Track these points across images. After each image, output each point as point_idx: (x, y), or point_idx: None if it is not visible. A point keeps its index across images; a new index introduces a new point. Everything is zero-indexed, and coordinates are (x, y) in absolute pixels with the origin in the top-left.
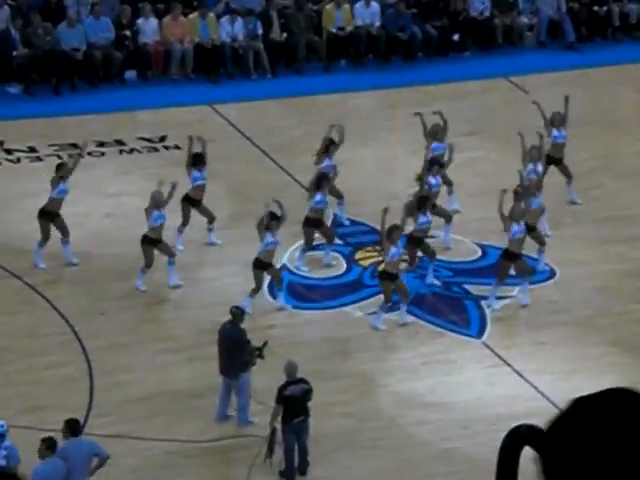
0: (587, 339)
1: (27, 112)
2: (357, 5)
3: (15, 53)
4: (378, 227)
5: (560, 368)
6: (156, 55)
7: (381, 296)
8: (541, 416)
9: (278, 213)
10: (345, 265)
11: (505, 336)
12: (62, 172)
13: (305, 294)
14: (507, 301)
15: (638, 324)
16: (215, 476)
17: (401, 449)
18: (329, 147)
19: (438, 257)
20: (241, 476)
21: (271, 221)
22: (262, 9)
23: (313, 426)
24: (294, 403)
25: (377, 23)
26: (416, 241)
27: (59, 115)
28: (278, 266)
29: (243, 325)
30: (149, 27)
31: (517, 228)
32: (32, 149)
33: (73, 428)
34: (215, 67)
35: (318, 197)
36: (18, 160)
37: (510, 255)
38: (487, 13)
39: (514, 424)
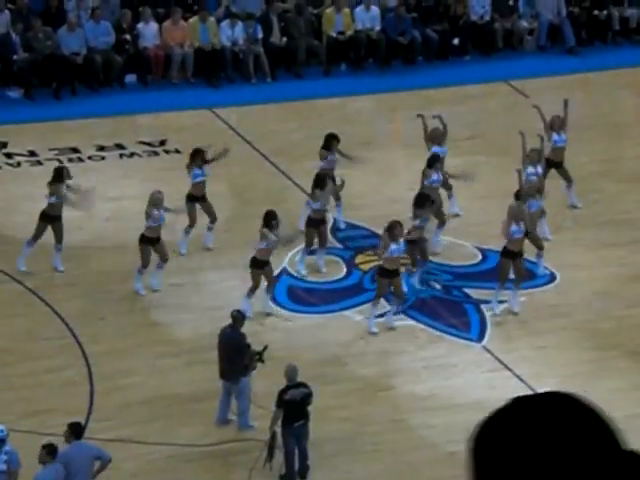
0: (587, 343)
1: (27, 116)
2: (357, 9)
3: (15, 57)
4: (378, 231)
5: (560, 372)
6: (156, 59)
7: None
8: None
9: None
10: (345, 269)
11: (505, 340)
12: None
13: (305, 298)
14: (507, 305)
15: (638, 328)
16: None
17: (401, 453)
18: (330, 142)
19: (439, 261)
20: None
21: (271, 221)
22: (262, 13)
23: (313, 430)
24: (294, 407)
25: (377, 27)
26: (415, 241)
27: (59, 119)
28: (278, 270)
29: (243, 329)
30: (149, 31)
31: (515, 228)
32: (32, 153)
33: (76, 431)
34: (215, 71)
35: (321, 201)
36: (18, 164)
37: (509, 253)
38: (487, 17)
39: None
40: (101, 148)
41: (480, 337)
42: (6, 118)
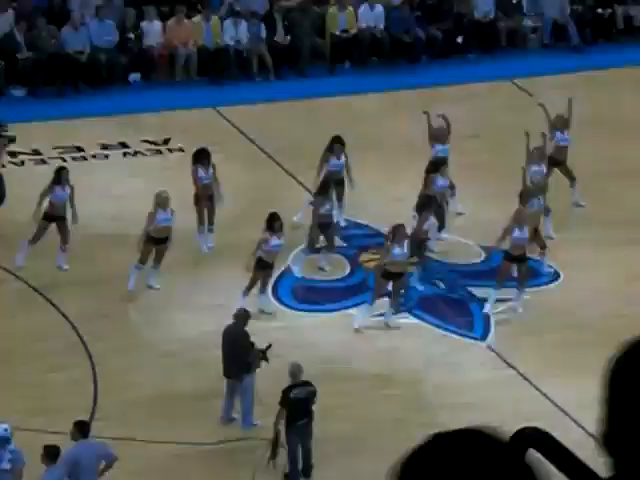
0: (591, 342)
1: (31, 115)
2: (361, 8)
3: (19, 56)
4: (382, 230)
5: (564, 371)
6: (160, 58)
7: (386, 298)
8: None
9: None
10: (349, 268)
11: (509, 339)
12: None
13: (309, 296)
14: (509, 304)
15: None
16: (219, 478)
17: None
18: (333, 145)
19: (443, 260)
20: (245, 478)
21: (274, 223)
22: (266, 12)
23: (317, 428)
24: (298, 406)
25: (381, 26)
26: (417, 240)
27: (63, 118)
28: (282, 268)
29: (247, 327)
30: (153, 30)
31: (518, 234)
32: (36, 152)
33: (83, 430)
34: (219, 70)
35: (327, 205)
36: (22, 163)
37: (512, 258)
38: (491, 15)
39: (518, 426)
40: (105, 147)
41: (484, 336)
42: (10, 117)
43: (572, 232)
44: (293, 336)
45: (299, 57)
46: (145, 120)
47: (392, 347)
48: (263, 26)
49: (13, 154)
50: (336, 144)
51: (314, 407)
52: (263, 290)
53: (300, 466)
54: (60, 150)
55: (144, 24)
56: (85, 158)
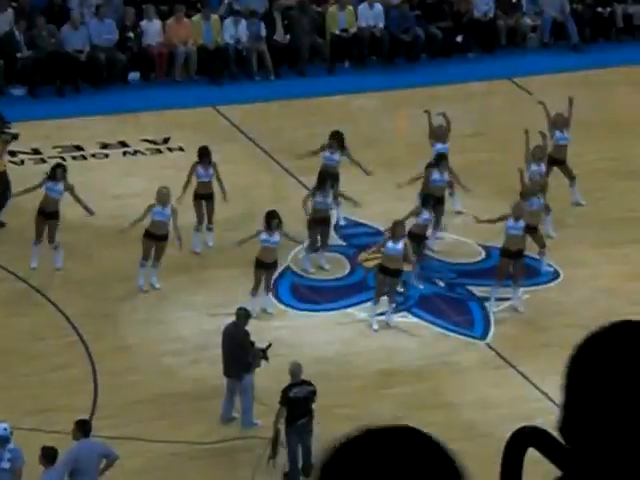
0: None
1: (31, 114)
2: (361, 7)
3: (19, 55)
4: (382, 228)
5: (564, 369)
6: (160, 57)
7: (385, 297)
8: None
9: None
10: (349, 267)
11: (509, 337)
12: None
13: (309, 295)
14: (509, 303)
15: None
16: (219, 477)
17: None
18: (330, 140)
19: (442, 259)
20: (245, 477)
21: (271, 221)
22: (265, 11)
23: (317, 428)
24: (298, 405)
25: (381, 24)
26: (415, 237)
27: (63, 117)
28: (282, 267)
29: (247, 327)
30: (153, 29)
31: (512, 224)
32: (36, 151)
33: (84, 429)
34: (218, 69)
35: (319, 198)
36: (22, 162)
37: (508, 253)
38: (491, 14)
39: (518, 425)
40: (104, 146)
41: (484, 334)
42: (10, 116)
43: (572, 232)
44: (293, 335)
45: (299, 56)
46: (145, 119)
47: (392, 346)
48: (263, 25)
49: (13, 153)
50: (331, 139)
51: (314, 406)
52: (266, 290)
53: (300, 465)
54: (60, 149)
55: (144, 23)
56: (85, 157)
